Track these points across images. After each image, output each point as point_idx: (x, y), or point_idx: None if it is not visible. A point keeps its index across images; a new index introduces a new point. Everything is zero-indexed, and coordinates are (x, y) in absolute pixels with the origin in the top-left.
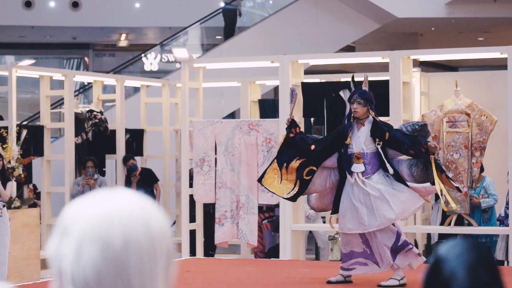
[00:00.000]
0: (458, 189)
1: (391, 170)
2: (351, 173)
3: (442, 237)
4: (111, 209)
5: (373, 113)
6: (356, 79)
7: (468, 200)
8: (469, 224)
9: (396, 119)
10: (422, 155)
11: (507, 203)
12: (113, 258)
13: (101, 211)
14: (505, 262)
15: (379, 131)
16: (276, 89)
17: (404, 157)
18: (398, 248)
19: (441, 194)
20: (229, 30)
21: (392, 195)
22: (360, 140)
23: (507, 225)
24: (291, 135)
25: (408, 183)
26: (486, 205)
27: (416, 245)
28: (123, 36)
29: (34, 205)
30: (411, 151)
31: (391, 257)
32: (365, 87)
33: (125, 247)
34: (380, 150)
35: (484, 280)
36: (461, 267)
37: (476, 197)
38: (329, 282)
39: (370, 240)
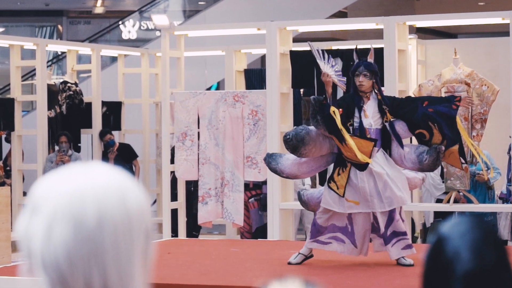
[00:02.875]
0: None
1: (399, 149)
2: None
3: (438, 217)
4: (84, 184)
5: (378, 86)
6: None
7: (468, 176)
8: (469, 201)
9: (391, 89)
10: (447, 114)
11: (509, 180)
12: (86, 238)
13: (73, 187)
14: (510, 242)
15: (388, 105)
16: (263, 58)
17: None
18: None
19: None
20: None
21: (398, 178)
22: (368, 115)
23: (511, 202)
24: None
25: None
26: (494, 180)
27: (413, 225)
28: (99, 2)
29: (3, 184)
30: (430, 109)
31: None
32: (370, 59)
33: (99, 226)
34: (388, 126)
35: (490, 261)
36: (465, 246)
37: (483, 173)
38: (289, 264)
39: (355, 220)
